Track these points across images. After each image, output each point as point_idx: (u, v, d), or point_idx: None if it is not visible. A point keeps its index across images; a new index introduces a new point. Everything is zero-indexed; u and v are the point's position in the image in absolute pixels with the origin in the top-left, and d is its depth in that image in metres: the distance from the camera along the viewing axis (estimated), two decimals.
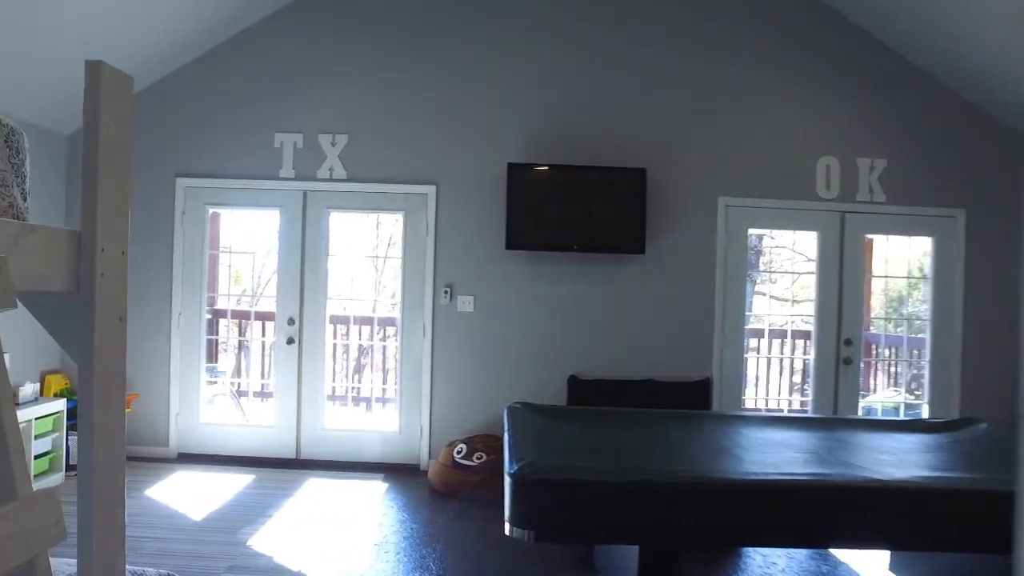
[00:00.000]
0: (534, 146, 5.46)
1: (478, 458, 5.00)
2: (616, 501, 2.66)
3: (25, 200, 1.69)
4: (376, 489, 5.06)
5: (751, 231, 5.70)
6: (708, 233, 5.51)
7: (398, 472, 5.45)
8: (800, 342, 6.74)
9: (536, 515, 2.64)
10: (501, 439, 5.11)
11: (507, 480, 2.71)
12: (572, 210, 5.33)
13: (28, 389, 4.62)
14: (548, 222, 5.34)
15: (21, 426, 4.49)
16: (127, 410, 5.47)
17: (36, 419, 4.53)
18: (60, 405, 4.84)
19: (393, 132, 5.52)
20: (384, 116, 5.52)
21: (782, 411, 6.51)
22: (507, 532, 2.67)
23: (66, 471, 4.89)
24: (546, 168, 5.35)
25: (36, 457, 4.55)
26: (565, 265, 5.45)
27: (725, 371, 5.55)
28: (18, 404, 4.51)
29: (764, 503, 2.72)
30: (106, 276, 1.71)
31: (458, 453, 5.07)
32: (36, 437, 4.55)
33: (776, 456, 3.22)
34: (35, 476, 4.55)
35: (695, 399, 5.48)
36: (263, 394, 6.98)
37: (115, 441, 1.77)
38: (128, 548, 3.59)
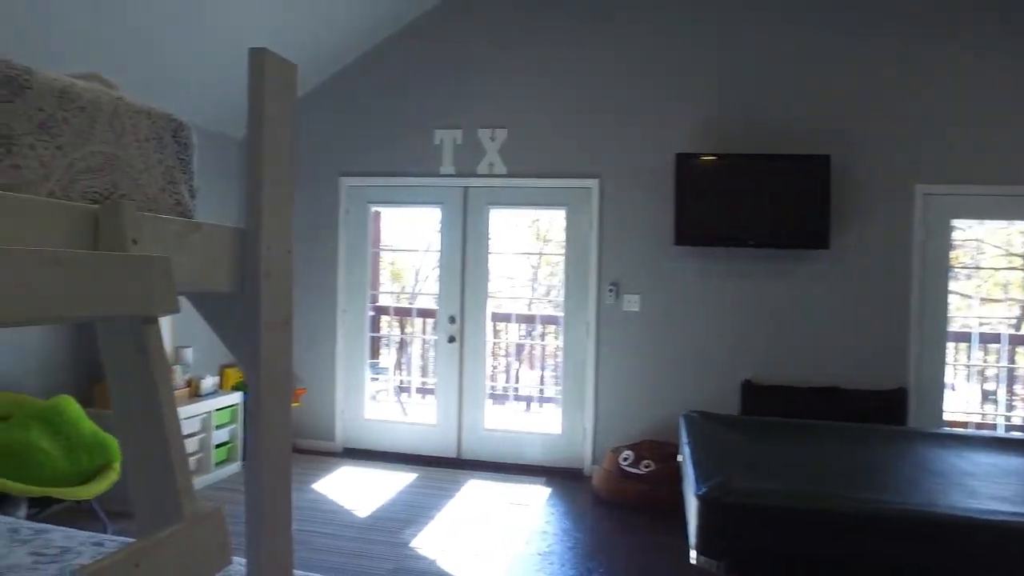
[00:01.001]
0: (704, 135, 5.07)
1: (646, 466, 4.70)
2: (828, 534, 2.30)
3: (193, 197, 1.60)
4: (538, 493, 4.89)
5: (954, 222, 5.00)
6: (903, 225, 4.88)
7: (560, 476, 5.26)
8: (994, 347, 5.89)
9: (728, 544, 2.33)
10: (669, 447, 4.83)
11: (693, 502, 2.42)
12: (746, 202, 4.90)
13: (209, 382, 4.82)
14: (720, 216, 4.94)
15: (202, 417, 4.72)
16: (295, 404, 5.64)
17: (216, 411, 4.73)
18: (237, 398, 5.03)
19: (554, 125, 5.32)
20: (544, 109, 5.33)
21: (998, 430, 5.71)
22: (693, 560, 2.38)
23: (242, 461, 5.09)
24: (717, 158, 4.95)
25: (216, 447, 4.75)
26: (739, 262, 5.03)
27: (923, 380, 4.91)
28: (200, 396, 4.72)
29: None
30: (271, 276, 1.60)
31: (624, 460, 4.80)
32: (216, 428, 4.75)
33: (1013, 489, 2.70)
34: (216, 464, 4.73)
35: (888, 411, 4.88)
36: (424, 390, 7.04)
37: (281, 442, 1.66)
38: (298, 542, 3.61)
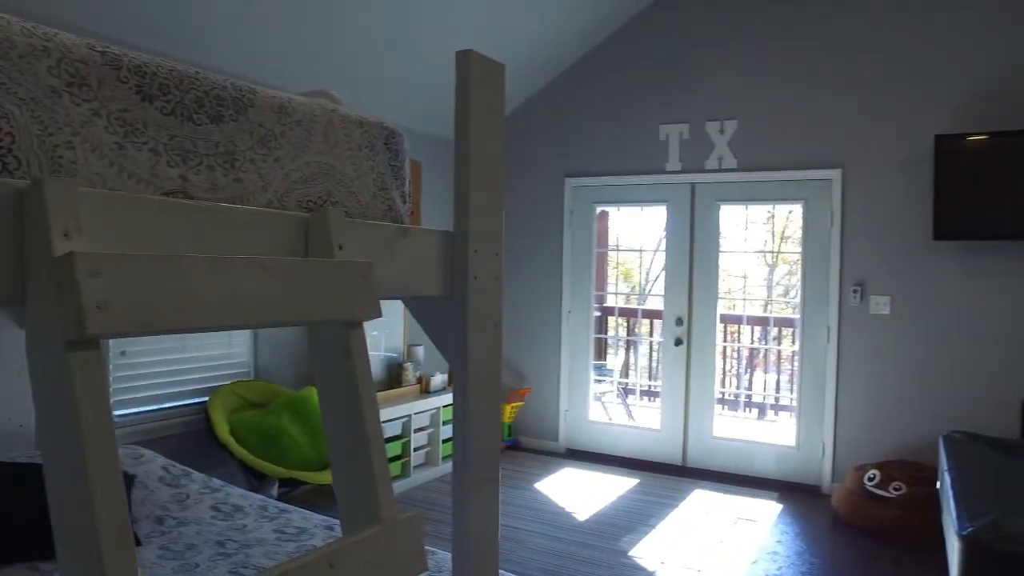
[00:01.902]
0: (970, 112, 4.40)
1: (895, 489, 4.19)
2: None
3: (404, 202, 1.64)
4: (769, 509, 4.56)
5: None
6: None
7: (794, 492, 4.87)
8: None
9: None
10: (925, 469, 4.27)
11: (954, 542, 2.07)
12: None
13: (438, 379, 5.07)
14: (990, 205, 4.26)
15: (431, 412, 4.97)
16: (519, 404, 5.77)
17: (444, 407, 4.96)
18: None
19: (789, 112, 4.91)
20: (778, 95, 4.94)
21: None
22: None
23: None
24: (986, 138, 4.28)
25: (443, 441, 4.98)
26: (1014, 258, 4.31)
27: None
28: (429, 393, 4.97)
29: None
30: (479, 279, 1.59)
31: (869, 480, 4.32)
32: (443, 423, 4.97)
33: None
34: (443, 458, 4.97)
35: None
36: (650, 393, 6.89)
37: (488, 444, 1.65)
38: (515, 541, 3.66)
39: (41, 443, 0.84)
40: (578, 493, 4.78)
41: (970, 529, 2.00)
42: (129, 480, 2.42)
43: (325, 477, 3.62)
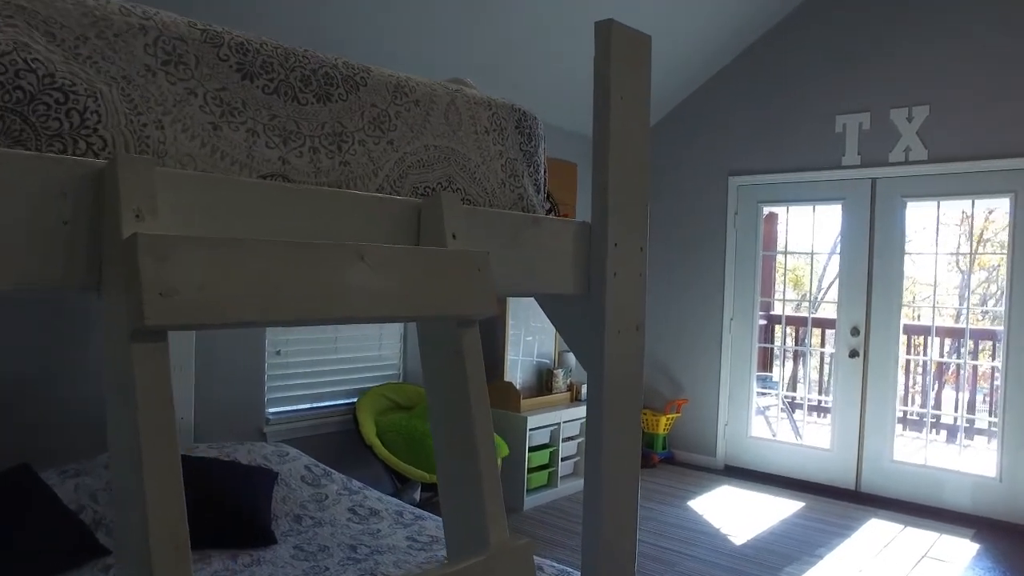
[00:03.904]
0: None
1: None
2: None
3: (539, 192, 1.49)
4: (962, 549, 4.00)
5: None
6: None
7: (995, 531, 4.25)
8: None
9: None
10: None
11: None
12: None
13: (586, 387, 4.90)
14: None
15: (581, 421, 4.79)
16: (676, 415, 5.47)
17: None
18: None
19: (993, 92, 4.28)
20: (977, 74, 4.33)
21: None
22: None
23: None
24: None
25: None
26: None
27: None
28: (580, 401, 4.80)
29: None
30: (619, 276, 1.41)
31: None
32: None
33: None
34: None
35: None
36: (819, 409, 6.33)
37: (626, 461, 1.46)
38: (665, 563, 3.41)
39: (107, 437, 0.76)
40: (735, 514, 4.43)
41: None
42: (271, 477, 2.44)
43: None
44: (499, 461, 3.88)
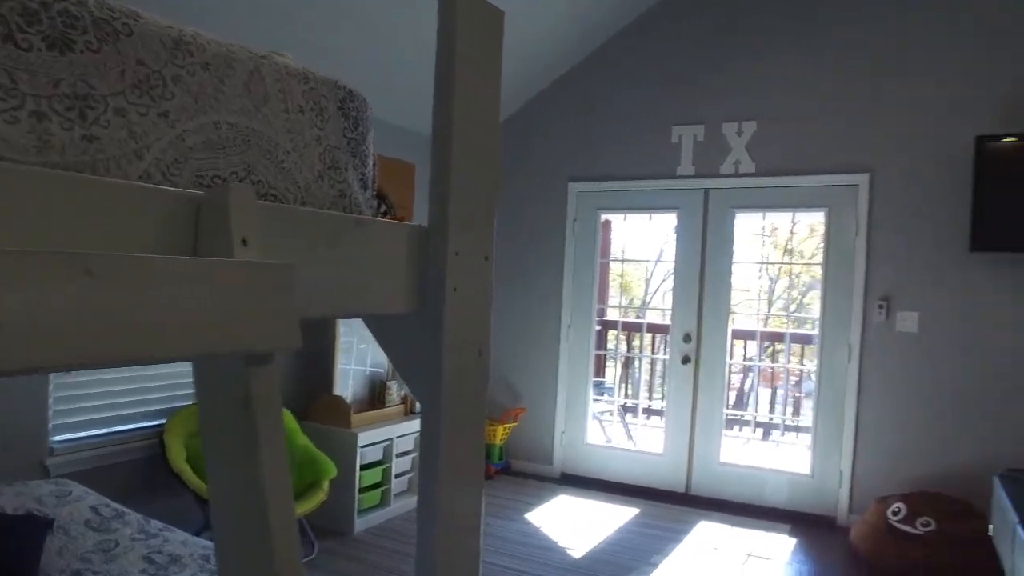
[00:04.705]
0: (1014, 112, 4.03)
1: (923, 524, 3.80)
2: None
3: (366, 189, 1.25)
4: (782, 544, 4.17)
5: None
6: None
7: (807, 525, 4.47)
8: None
9: None
10: (956, 503, 3.89)
11: None
12: None
13: None
14: None
15: (415, 436, 4.53)
16: (513, 424, 5.36)
17: None
18: None
19: (813, 112, 4.53)
20: (802, 94, 4.56)
21: None
22: None
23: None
24: None
25: None
26: None
27: None
28: (415, 414, 4.55)
29: None
30: (460, 291, 1.19)
31: (894, 514, 3.93)
32: None
33: None
34: None
35: None
36: (651, 411, 6.49)
37: (467, 499, 1.26)
38: None
39: None
40: (573, 524, 4.37)
41: None
42: (44, 526, 2.01)
43: (298, 508, 3.22)
44: (326, 484, 3.56)
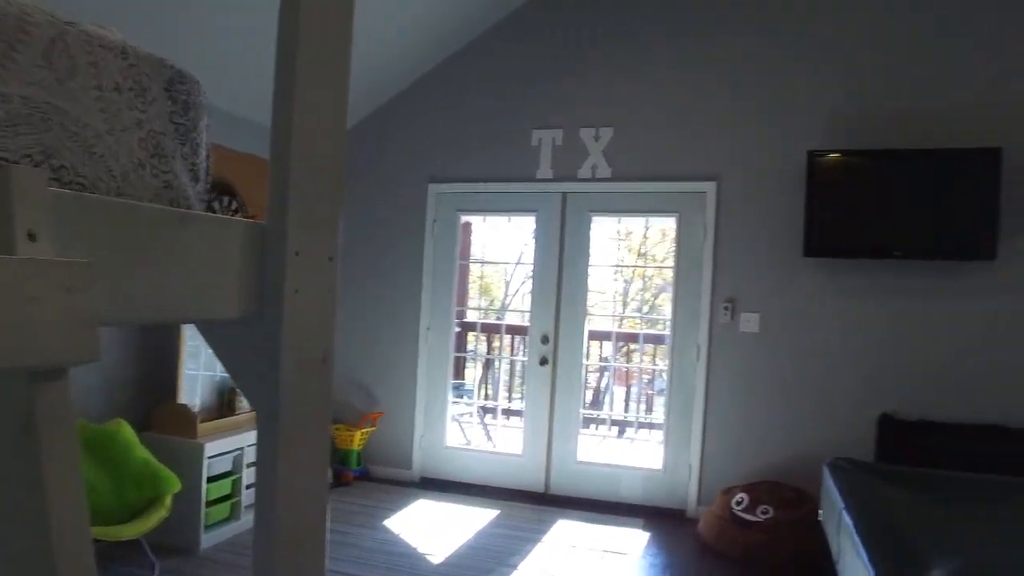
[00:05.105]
0: (842, 129, 4.36)
1: (763, 512, 4.04)
2: None
3: (198, 181, 1.13)
4: (636, 539, 4.29)
5: None
6: None
7: (660, 518, 4.64)
8: None
9: None
10: (790, 490, 4.16)
11: None
12: (892, 206, 4.17)
13: None
14: (859, 222, 4.23)
15: None
16: (371, 428, 5.23)
17: None
18: None
19: (665, 122, 4.72)
20: (656, 104, 4.74)
21: None
22: None
23: None
24: (857, 155, 4.25)
25: None
26: (881, 276, 4.30)
27: None
28: None
29: None
30: (302, 293, 1.10)
31: (737, 504, 4.14)
32: None
33: None
34: None
35: None
36: (509, 412, 6.53)
37: (310, 533, 1.17)
38: None
39: None
40: (432, 529, 4.30)
41: None
42: None
43: (128, 531, 2.96)
44: (168, 499, 3.30)
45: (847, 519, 2.36)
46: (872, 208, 4.21)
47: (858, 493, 2.67)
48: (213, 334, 1.15)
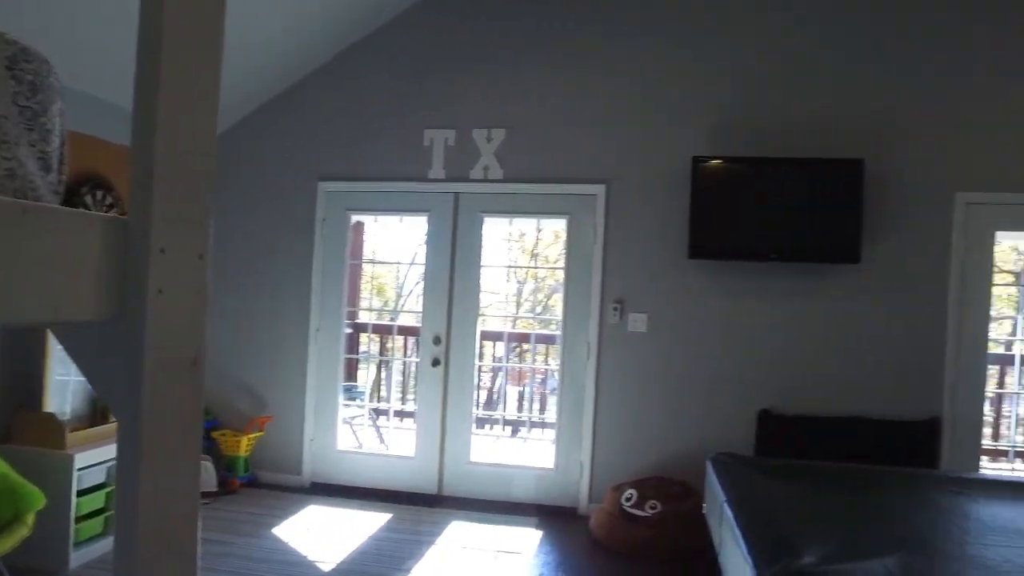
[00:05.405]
0: (724, 137, 4.56)
1: (651, 508, 4.16)
2: None
3: (49, 171, 1.05)
4: (529, 537, 4.33)
5: (999, 235, 4.50)
6: (941, 238, 4.38)
7: (553, 516, 4.69)
8: None
9: None
10: (676, 485, 4.30)
11: None
12: (770, 211, 4.40)
13: None
14: (740, 226, 4.44)
15: None
16: (259, 433, 5.05)
17: None
18: None
19: (557, 125, 4.79)
20: (547, 107, 4.80)
21: None
22: None
23: None
24: (738, 161, 4.45)
25: None
26: (760, 277, 4.52)
27: (959, 411, 4.39)
28: None
29: None
30: (167, 293, 1.03)
31: (627, 500, 4.25)
32: None
33: None
34: None
35: (919, 445, 4.37)
36: (404, 414, 6.47)
37: (177, 540, 1.11)
38: None
39: None
40: (324, 535, 4.20)
41: None
42: None
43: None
44: (30, 516, 3.06)
45: (728, 511, 2.47)
46: (751, 212, 4.41)
47: (738, 486, 2.79)
48: (69, 337, 1.07)
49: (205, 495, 4.63)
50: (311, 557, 3.87)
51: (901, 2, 4.45)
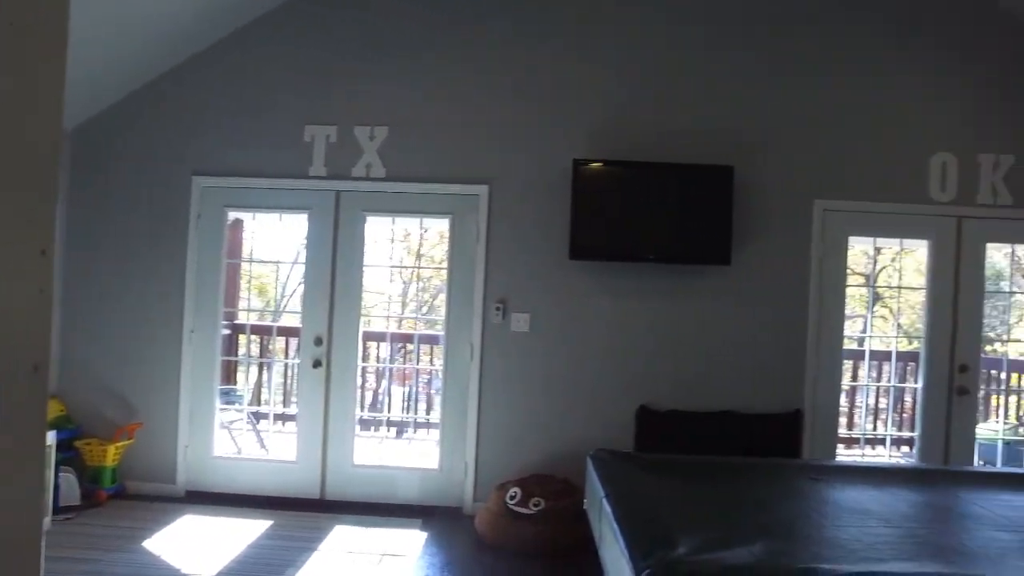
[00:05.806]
0: (604, 140, 4.70)
1: (535, 505, 4.23)
2: None
3: None
4: (413, 539, 4.30)
5: (852, 239, 4.87)
6: (802, 242, 4.70)
7: (438, 517, 4.69)
8: (904, 367, 5.99)
9: None
10: (558, 482, 4.39)
11: None
12: (646, 214, 4.57)
13: None
14: (619, 228, 4.58)
15: None
16: (128, 441, 4.79)
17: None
18: (48, 437, 4.14)
19: (441, 124, 4.79)
20: (431, 106, 4.79)
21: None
22: None
23: (53, 514, 4.20)
24: (616, 165, 4.59)
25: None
26: (637, 278, 4.68)
27: (819, 403, 4.72)
28: None
29: None
30: (2, 294, 0.98)
31: (511, 498, 4.30)
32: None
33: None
34: None
35: (783, 436, 4.67)
36: (284, 417, 6.29)
37: (16, 566, 1.04)
38: None
39: None
40: (200, 546, 4.02)
41: (650, 570, 1.90)
42: None
43: None
44: None
45: (606, 506, 2.55)
46: (629, 215, 4.57)
47: (616, 481, 2.88)
48: None
49: (68, 509, 4.36)
50: (185, 570, 3.70)
51: (770, 21, 4.73)
